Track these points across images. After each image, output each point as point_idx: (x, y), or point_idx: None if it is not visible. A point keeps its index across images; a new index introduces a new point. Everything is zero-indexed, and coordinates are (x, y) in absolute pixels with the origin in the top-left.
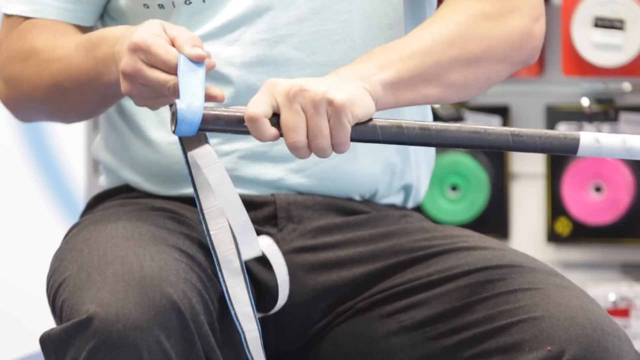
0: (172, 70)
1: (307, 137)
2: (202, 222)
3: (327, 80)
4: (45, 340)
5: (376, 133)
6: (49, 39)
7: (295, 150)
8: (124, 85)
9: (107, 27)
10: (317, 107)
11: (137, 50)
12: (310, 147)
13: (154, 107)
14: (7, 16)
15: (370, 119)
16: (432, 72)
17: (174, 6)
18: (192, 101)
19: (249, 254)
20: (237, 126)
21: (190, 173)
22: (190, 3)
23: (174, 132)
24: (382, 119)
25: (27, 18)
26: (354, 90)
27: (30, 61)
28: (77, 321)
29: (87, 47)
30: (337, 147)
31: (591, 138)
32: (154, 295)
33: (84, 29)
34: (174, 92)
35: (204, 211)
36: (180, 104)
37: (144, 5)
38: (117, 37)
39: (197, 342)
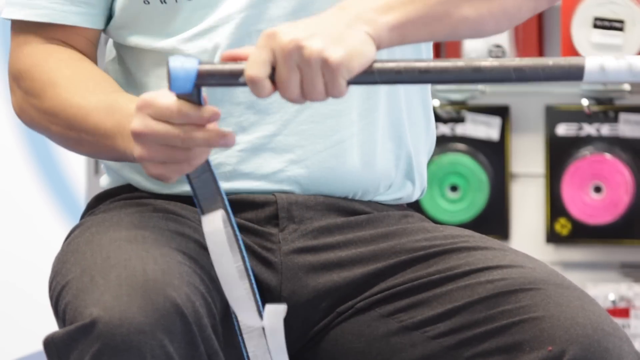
0: None
1: (302, 91)
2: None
3: (327, 31)
4: (49, 343)
5: (373, 77)
6: (71, 77)
7: (290, 102)
8: (137, 150)
9: (133, 97)
10: (311, 65)
11: (144, 106)
12: (305, 99)
13: (168, 177)
14: (15, 23)
15: (370, 64)
16: (441, 10)
17: (176, 1)
18: (186, 59)
19: (248, 323)
20: (233, 80)
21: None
22: None
23: (170, 89)
24: (381, 60)
25: (32, 25)
26: (354, 41)
27: (47, 95)
28: (80, 325)
29: (108, 109)
30: (332, 98)
31: (596, 63)
32: (157, 298)
33: (95, 32)
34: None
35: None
36: (173, 61)
37: (144, 1)
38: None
39: (201, 346)
